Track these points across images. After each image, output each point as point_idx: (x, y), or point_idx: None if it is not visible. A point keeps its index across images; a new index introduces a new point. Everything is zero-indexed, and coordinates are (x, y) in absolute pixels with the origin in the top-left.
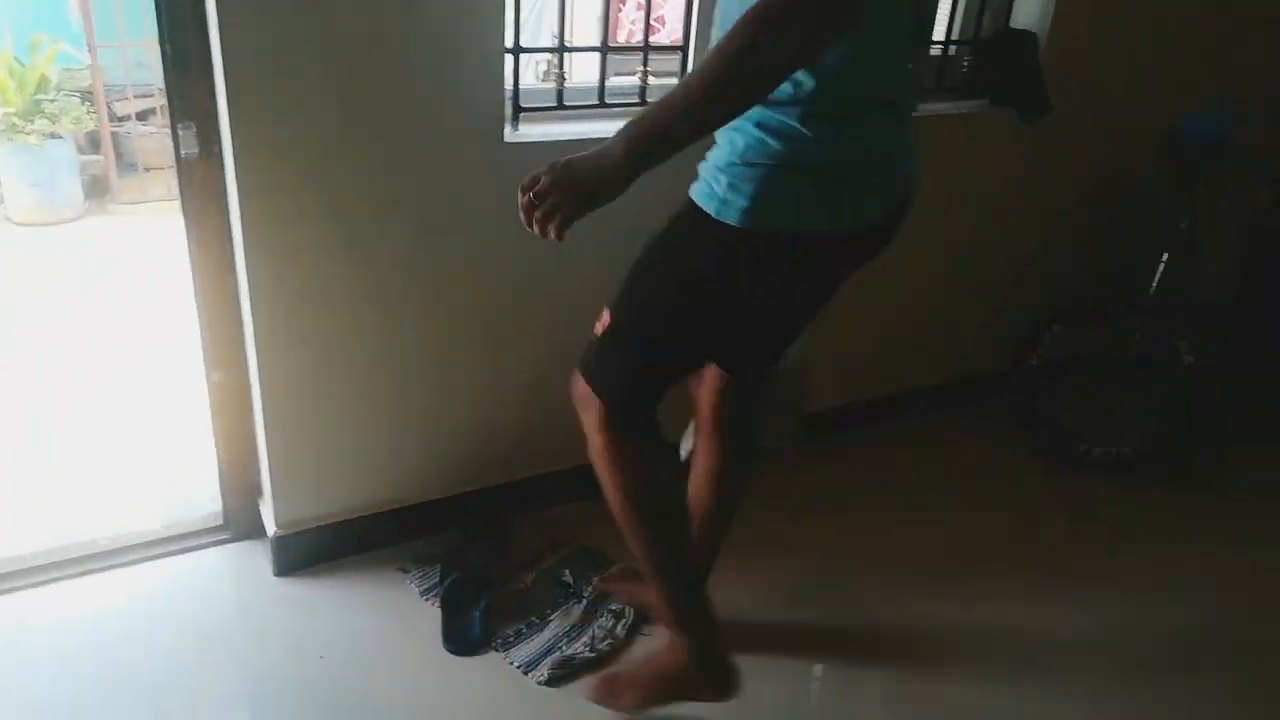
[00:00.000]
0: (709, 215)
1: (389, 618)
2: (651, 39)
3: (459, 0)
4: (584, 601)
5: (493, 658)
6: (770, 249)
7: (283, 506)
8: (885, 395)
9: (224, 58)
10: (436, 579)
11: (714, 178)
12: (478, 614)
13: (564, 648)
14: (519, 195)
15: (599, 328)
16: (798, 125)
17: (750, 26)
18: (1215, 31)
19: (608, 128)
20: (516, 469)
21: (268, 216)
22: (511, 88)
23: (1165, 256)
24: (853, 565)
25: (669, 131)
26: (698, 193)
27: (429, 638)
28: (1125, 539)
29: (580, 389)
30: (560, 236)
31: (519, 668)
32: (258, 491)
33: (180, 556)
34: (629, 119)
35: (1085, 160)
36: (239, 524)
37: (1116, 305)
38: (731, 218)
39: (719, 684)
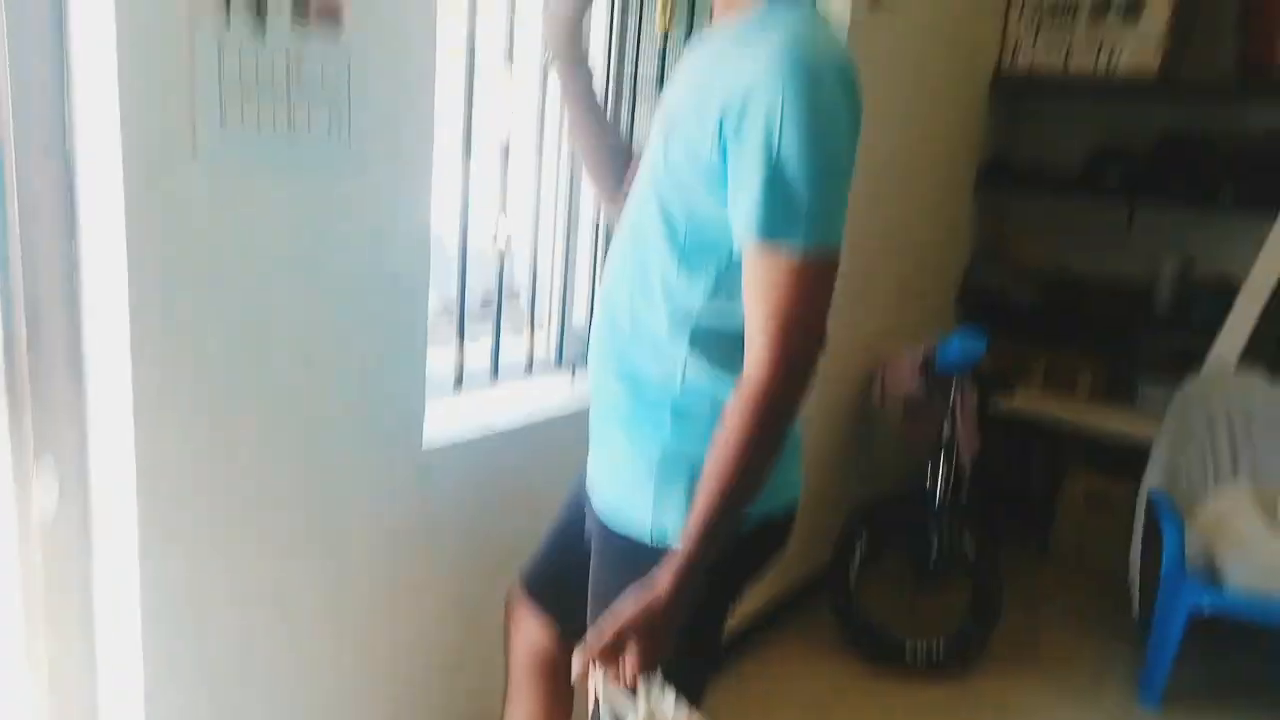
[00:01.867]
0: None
1: None
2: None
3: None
4: None
5: None
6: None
7: None
8: None
9: (134, 381)
10: None
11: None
12: None
13: None
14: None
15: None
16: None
17: (755, 418)
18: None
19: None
20: None
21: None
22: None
23: (942, 460)
24: None
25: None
26: (634, 524)
27: None
28: None
29: None
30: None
31: None
32: None
33: None
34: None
35: (854, 379)
36: None
37: (907, 509)
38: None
39: None
